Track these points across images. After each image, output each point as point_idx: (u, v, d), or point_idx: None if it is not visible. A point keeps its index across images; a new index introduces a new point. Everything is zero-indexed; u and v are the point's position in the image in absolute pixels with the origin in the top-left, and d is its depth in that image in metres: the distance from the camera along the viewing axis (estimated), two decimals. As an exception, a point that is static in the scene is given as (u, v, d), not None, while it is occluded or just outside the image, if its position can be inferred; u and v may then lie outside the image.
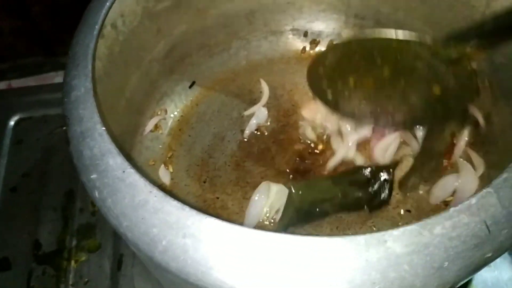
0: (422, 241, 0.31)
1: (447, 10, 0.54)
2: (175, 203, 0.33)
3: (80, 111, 0.38)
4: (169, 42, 0.60)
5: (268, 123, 0.63)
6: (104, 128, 0.37)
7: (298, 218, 0.53)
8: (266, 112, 0.63)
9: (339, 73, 0.49)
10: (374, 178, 0.53)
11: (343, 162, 0.58)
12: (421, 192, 0.55)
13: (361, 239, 0.31)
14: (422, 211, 0.54)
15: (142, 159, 0.59)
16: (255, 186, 0.58)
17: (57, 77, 0.93)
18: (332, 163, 0.58)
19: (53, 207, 0.68)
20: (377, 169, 0.54)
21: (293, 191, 0.52)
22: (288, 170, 0.59)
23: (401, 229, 0.31)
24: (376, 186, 0.53)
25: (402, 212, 0.54)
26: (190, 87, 0.65)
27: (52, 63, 0.96)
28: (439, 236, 0.31)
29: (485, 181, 0.53)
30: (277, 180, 0.58)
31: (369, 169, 0.54)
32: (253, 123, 0.63)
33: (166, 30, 0.58)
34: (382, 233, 0.31)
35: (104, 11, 0.44)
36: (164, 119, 0.63)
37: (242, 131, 0.63)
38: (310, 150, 0.61)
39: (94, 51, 0.41)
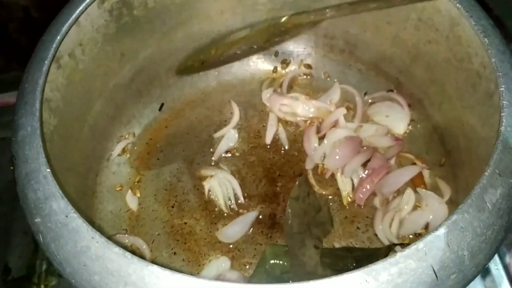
0: (367, 289, 0.30)
1: (412, 31, 0.53)
2: (117, 249, 0.32)
3: (26, 152, 0.37)
4: (135, 66, 0.59)
5: (238, 145, 0.63)
6: (48, 170, 0.36)
7: (268, 281, 0.52)
8: (236, 134, 0.62)
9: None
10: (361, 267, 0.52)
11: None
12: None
13: (303, 286, 0.30)
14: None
15: (109, 184, 0.59)
16: (223, 210, 0.57)
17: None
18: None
19: (24, 231, 0.67)
20: (367, 256, 0.52)
21: (267, 255, 0.52)
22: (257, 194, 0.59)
23: (345, 276, 0.31)
24: None
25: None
26: (160, 109, 0.64)
27: (31, 78, 0.95)
28: (384, 283, 0.31)
29: (454, 204, 0.52)
30: (248, 205, 0.58)
31: (356, 259, 0.52)
32: (223, 146, 0.62)
33: (131, 54, 0.57)
34: (325, 280, 0.31)
35: (55, 45, 0.43)
36: (132, 143, 0.62)
37: (212, 154, 0.62)
38: (279, 173, 0.60)
39: (43, 88, 0.40)
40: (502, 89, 0.38)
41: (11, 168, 0.72)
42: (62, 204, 0.35)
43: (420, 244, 0.32)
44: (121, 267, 0.32)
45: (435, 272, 0.31)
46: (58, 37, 0.43)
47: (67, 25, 0.44)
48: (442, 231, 0.32)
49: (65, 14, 0.45)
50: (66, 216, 0.34)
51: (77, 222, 0.34)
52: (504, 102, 0.38)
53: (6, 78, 0.94)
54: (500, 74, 0.39)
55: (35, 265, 0.65)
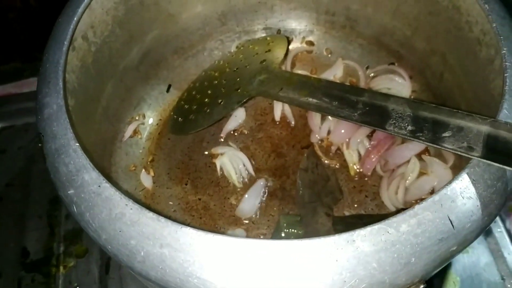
0: (389, 239, 0.33)
1: (413, 4, 0.55)
2: (150, 214, 0.34)
3: (53, 128, 0.38)
4: (143, 48, 0.60)
5: (246, 122, 0.64)
6: (78, 144, 0.37)
7: None
8: (244, 111, 0.64)
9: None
10: None
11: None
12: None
13: (330, 240, 0.32)
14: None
15: (123, 165, 0.60)
16: (235, 186, 0.59)
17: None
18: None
19: (39, 215, 0.69)
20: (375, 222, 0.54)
21: (281, 224, 0.54)
22: (267, 168, 0.61)
23: (368, 229, 0.33)
24: None
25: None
26: (167, 91, 0.65)
27: (31, 68, 0.96)
28: (405, 233, 0.33)
29: (458, 169, 0.54)
30: (258, 177, 0.60)
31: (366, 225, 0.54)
32: (231, 123, 0.63)
33: (139, 36, 0.58)
34: (351, 233, 0.33)
35: (72, 26, 0.44)
36: (143, 124, 0.63)
37: (221, 131, 0.63)
38: (287, 148, 0.62)
39: (64, 68, 0.42)
40: (504, 51, 0.40)
41: (32, 146, 0.74)
42: (94, 175, 0.36)
43: (436, 197, 0.34)
44: (156, 230, 0.34)
45: (451, 222, 0.33)
46: (75, 19, 0.44)
47: (82, 7, 0.46)
48: (456, 183, 0.34)
49: (78, -2, 0.46)
50: (99, 186, 0.36)
51: (110, 191, 0.35)
52: (506, 63, 0.40)
53: (6, 69, 0.95)
54: (502, 37, 0.41)
55: (53, 247, 0.66)
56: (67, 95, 0.46)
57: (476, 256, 0.60)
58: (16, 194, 0.71)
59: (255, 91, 0.54)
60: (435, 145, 0.37)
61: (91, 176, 0.36)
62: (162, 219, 0.34)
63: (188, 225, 0.33)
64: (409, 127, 0.39)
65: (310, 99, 0.47)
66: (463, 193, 0.34)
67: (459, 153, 0.35)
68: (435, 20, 0.53)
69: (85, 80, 0.50)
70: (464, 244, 0.34)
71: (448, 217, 0.33)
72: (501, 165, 0.33)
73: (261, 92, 0.54)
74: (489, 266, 0.60)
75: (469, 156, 0.35)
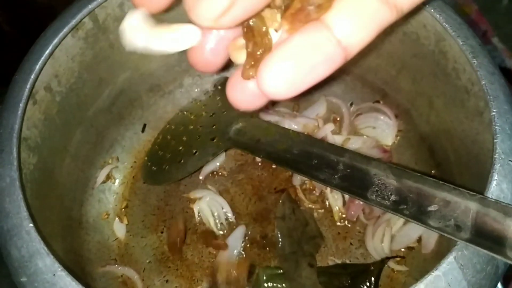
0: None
1: (397, 45, 0.52)
2: (109, 309, 0.31)
3: (5, 205, 0.35)
4: (114, 89, 0.57)
5: (226, 163, 0.61)
6: (31, 224, 0.34)
7: None
8: (223, 153, 0.61)
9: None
10: (356, 283, 0.52)
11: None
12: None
13: None
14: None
15: (95, 214, 0.57)
16: (214, 232, 0.56)
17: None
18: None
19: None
20: (360, 272, 0.53)
21: (260, 278, 0.51)
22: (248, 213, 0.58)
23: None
24: None
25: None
26: (142, 130, 0.62)
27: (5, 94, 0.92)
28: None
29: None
30: (238, 223, 0.57)
31: (351, 275, 0.52)
32: (209, 165, 0.60)
33: (110, 78, 0.55)
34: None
35: (29, 84, 0.41)
36: (116, 167, 0.60)
37: (199, 174, 0.60)
38: (268, 190, 0.59)
39: (20, 134, 0.38)
40: (493, 113, 0.38)
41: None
42: (48, 261, 0.33)
43: (420, 286, 0.31)
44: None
45: (438, 315, 0.31)
46: (32, 76, 0.41)
47: (41, 61, 0.42)
48: (442, 270, 0.31)
49: (38, 50, 0.43)
50: (54, 274, 0.33)
51: (66, 280, 0.32)
52: (496, 127, 0.37)
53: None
54: (491, 97, 0.38)
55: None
56: (29, 153, 0.43)
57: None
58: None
59: (231, 141, 0.51)
60: (420, 223, 0.34)
61: (45, 263, 0.33)
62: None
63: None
64: (393, 197, 0.36)
65: (288, 156, 0.44)
66: (450, 281, 0.31)
67: (446, 234, 0.32)
68: (421, 62, 0.51)
69: (49, 132, 0.47)
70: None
71: (435, 310, 0.31)
72: (490, 253, 0.30)
73: (237, 144, 0.51)
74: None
75: (457, 239, 0.32)
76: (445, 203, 0.34)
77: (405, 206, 0.36)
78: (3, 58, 0.89)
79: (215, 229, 0.57)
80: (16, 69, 0.87)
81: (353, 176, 0.39)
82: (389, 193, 0.37)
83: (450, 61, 0.46)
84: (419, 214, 0.34)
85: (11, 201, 0.35)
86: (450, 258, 0.32)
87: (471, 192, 0.33)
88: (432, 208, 0.34)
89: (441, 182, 0.35)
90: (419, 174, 0.36)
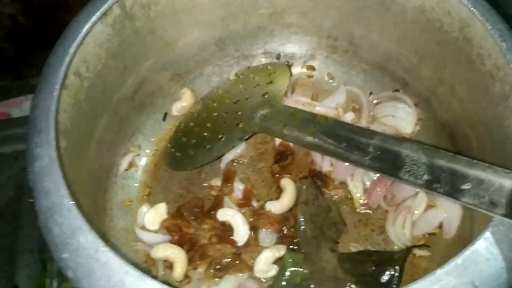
0: (409, 308, 0.30)
1: (420, 33, 0.53)
2: (153, 283, 0.32)
3: (45, 183, 0.36)
4: (138, 78, 0.57)
5: (246, 152, 0.62)
6: (72, 202, 0.35)
7: None
8: (243, 141, 0.62)
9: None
10: (381, 271, 0.51)
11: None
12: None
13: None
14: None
15: (118, 200, 0.58)
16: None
17: (26, 101, 0.90)
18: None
19: (30, 249, 0.66)
20: (385, 260, 0.52)
21: (286, 263, 0.51)
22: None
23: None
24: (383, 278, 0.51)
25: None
26: (164, 119, 0.63)
27: (20, 87, 0.93)
28: (427, 302, 0.30)
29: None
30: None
31: (375, 263, 0.52)
32: (231, 152, 0.61)
33: (133, 66, 0.56)
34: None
35: (63, 67, 0.41)
36: (138, 155, 0.61)
37: (220, 162, 0.61)
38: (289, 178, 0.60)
39: (57, 115, 0.39)
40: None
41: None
42: (90, 238, 0.34)
43: (458, 260, 0.32)
44: (159, 301, 0.31)
45: (476, 287, 0.31)
46: (67, 59, 0.41)
47: (74, 45, 0.43)
48: (479, 245, 0.32)
49: (71, 34, 0.43)
50: (97, 250, 0.33)
51: (109, 255, 0.33)
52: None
53: (-6, 88, 0.92)
54: (521, 80, 0.39)
55: (45, 284, 0.63)
56: (59, 138, 0.43)
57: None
58: (5, 227, 0.68)
59: (258, 127, 0.52)
60: (454, 199, 0.35)
61: (87, 239, 0.34)
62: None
63: None
64: (425, 177, 0.37)
65: (316, 140, 0.45)
66: (487, 255, 0.32)
67: (481, 209, 0.33)
68: (444, 50, 0.51)
69: (78, 117, 0.48)
70: (489, 310, 0.32)
71: (473, 283, 0.31)
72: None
73: (264, 129, 0.52)
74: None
75: (492, 214, 0.33)
76: (478, 181, 0.35)
77: (438, 185, 0.36)
78: (20, 51, 0.90)
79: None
80: (29, 63, 0.87)
81: (384, 157, 0.40)
82: (422, 172, 0.37)
83: (475, 47, 0.47)
84: (453, 192, 0.35)
85: (50, 180, 0.36)
86: (486, 233, 0.32)
87: (506, 170, 0.34)
88: (466, 186, 0.35)
89: (474, 161, 0.35)
90: (451, 154, 0.37)
